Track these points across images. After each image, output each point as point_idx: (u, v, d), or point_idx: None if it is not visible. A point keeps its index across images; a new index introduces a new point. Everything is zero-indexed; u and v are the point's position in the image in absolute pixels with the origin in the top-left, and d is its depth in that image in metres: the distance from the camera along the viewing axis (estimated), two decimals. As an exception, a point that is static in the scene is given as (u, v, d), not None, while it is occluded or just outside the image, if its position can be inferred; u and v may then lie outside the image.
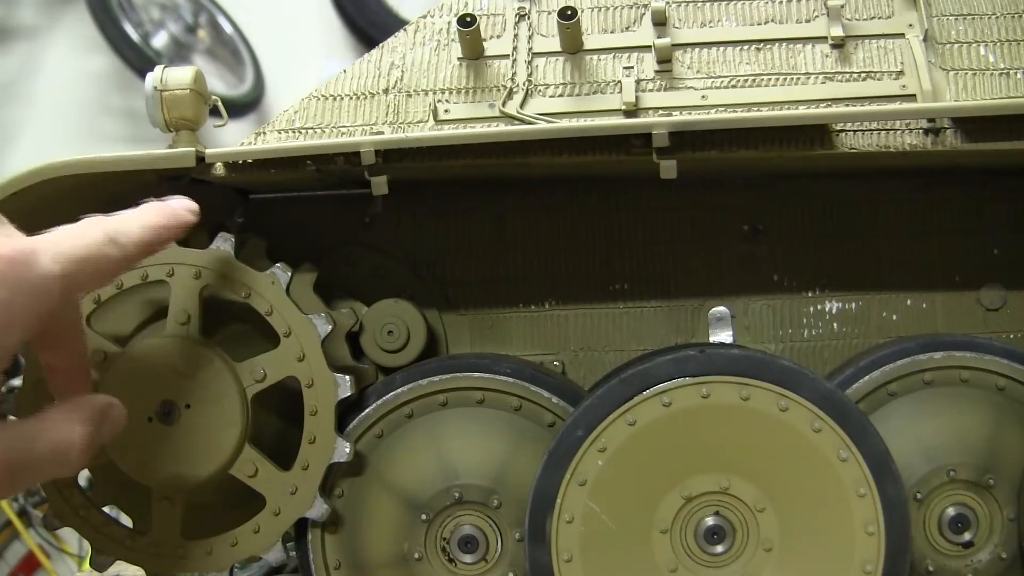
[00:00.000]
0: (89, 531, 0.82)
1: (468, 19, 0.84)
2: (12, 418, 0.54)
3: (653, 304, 0.95)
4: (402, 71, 0.88)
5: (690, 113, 0.82)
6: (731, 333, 0.94)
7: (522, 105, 0.85)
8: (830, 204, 0.94)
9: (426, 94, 0.87)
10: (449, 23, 0.89)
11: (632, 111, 0.84)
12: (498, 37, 0.88)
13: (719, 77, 0.84)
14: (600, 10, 0.88)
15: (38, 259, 0.49)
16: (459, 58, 0.88)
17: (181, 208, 0.60)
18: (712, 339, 0.94)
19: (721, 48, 0.86)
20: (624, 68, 0.85)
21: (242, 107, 2.64)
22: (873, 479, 0.76)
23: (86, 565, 0.90)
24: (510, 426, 0.85)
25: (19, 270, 0.48)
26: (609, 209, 0.94)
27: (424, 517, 0.84)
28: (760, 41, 0.86)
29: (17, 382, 0.87)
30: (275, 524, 0.81)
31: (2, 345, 0.47)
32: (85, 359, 0.61)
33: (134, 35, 2.57)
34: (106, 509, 0.85)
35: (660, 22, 0.86)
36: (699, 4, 0.87)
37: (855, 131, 0.79)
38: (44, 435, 0.50)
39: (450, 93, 0.87)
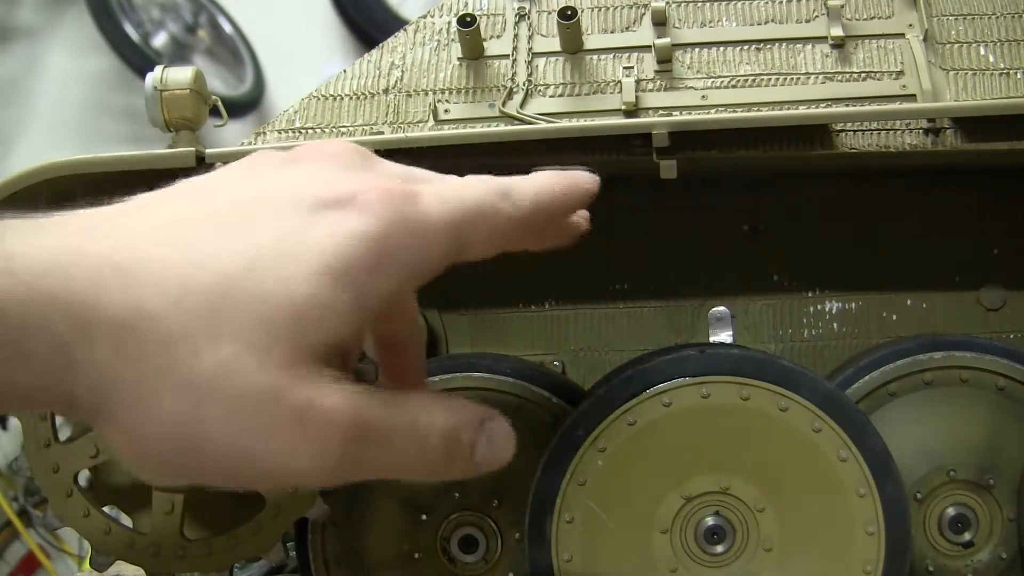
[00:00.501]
0: (89, 531, 0.82)
1: (468, 19, 0.84)
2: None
3: (653, 304, 0.95)
4: (402, 71, 0.88)
5: (690, 113, 0.82)
6: (731, 333, 0.94)
7: (522, 105, 0.85)
8: (830, 204, 0.94)
9: (426, 94, 0.87)
10: (449, 23, 0.89)
11: (632, 111, 0.84)
12: (498, 37, 0.88)
13: (719, 77, 0.84)
14: (600, 10, 0.88)
15: (422, 199, 0.42)
16: (459, 58, 0.88)
17: (580, 175, 0.52)
18: (712, 339, 0.94)
19: (721, 48, 0.86)
20: (624, 68, 0.85)
21: (242, 107, 2.64)
22: (873, 479, 0.76)
23: (86, 565, 0.90)
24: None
25: (401, 206, 0.41)
26: (609, 209, 0.94)
27: (424, 517, 0.84)
28: (760, 41, 0.86)
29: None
30: (275, 524, 0.81)
31: (372, 287, 0.40)
32: (420, 335, 0.53)
33: (134, 35, 2.57)
34: (106, 509, 0.85)
35: (660, 22, 0.86)
36: (699, 4, 0.87)
37: (855, 131, 0.79)
38: (406, 407, 0.42)
39: (450, 93, 0.87)
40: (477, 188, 0.46)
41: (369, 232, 0.40)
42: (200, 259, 0.38)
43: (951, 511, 0.83)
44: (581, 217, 0.54)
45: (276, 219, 0.39)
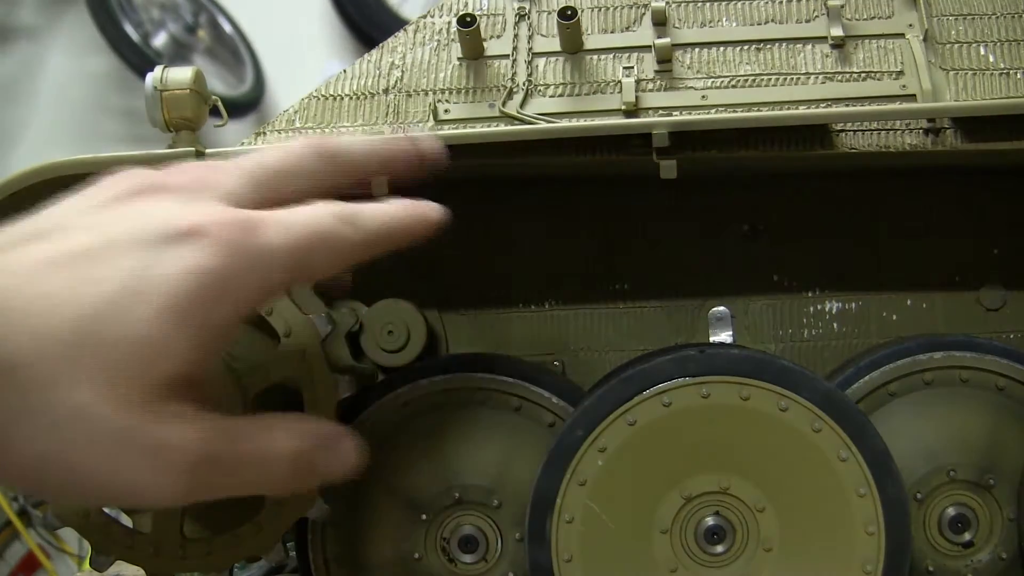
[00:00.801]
0: (89, 531, 0.82)
1: (468, 19, 0.84)
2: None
3: (653, 304, 0.95)
4: (402, 71, 0.88)
5: (690, 113, 0.82)
6: (731, 333, 0.94)
7: (522, 105, 0.85)
8: (830, 204, 0.94)
9: (426, 94, 0.87)
10: (449, 23, 0.89)
11: (632, 111, 0.84)
12: (498, 37, 0.88)
13: (719, 77, 0.84)
14: (600, 10, 0.88)
15: (263, 229, 0.44)
16: (459, 58, 0.88)
17: (429, 208, 0.54)
18: (712, 339, 0.94)
19: (721, 48, 0.86)
20: (624, 68, 0.85)
21: (242, 107, 2.64)
22: (873, 479, 0.76)
23: (86, 565, 0.90)
24: (510, 426, 0.85)
25: (240, 236, 0.43)
26: (609, 209, 0.94)
27: (424, 517, 0.84)
28: (760, 41, 0.86)
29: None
30: (275, 524, 0.81)
31: (215, 318, 0.43)
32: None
33: (134, 35, 2.57)
34: (106, 509, 0.85)
35: (660, 22, 0.86)
36: (699, 4, 0.87)
37: (855, 131, 0.79)
38: (250, 436, 0.45)
39: (450, 93, 0.87)
40: (321, 215, 0.48)
41: (210, 266, 0.42)
42: (57, 305, 0.41)
43: (951, 511, 0.83)
44: (434, 210, 0.56)
45: (123, 258, 0.42)
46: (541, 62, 0.87)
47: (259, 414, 0.48)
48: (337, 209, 0.49)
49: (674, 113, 0.83)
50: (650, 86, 0.85)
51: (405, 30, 0.90)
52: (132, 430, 0.41)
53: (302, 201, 0.49)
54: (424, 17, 0.91)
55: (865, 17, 0.86)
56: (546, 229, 0.95)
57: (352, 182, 0.53)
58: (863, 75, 0.84)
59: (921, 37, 0.84)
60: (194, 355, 0.43)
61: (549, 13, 0.88)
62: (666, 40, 0.84)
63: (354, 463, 0.50)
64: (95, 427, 0.40)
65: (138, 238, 0.43)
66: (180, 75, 0.81)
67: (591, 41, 0.87)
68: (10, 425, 0.40)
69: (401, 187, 0.56)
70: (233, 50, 2.81)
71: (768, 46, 0.85)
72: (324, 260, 0.47)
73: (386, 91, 0.87)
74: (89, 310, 0.40)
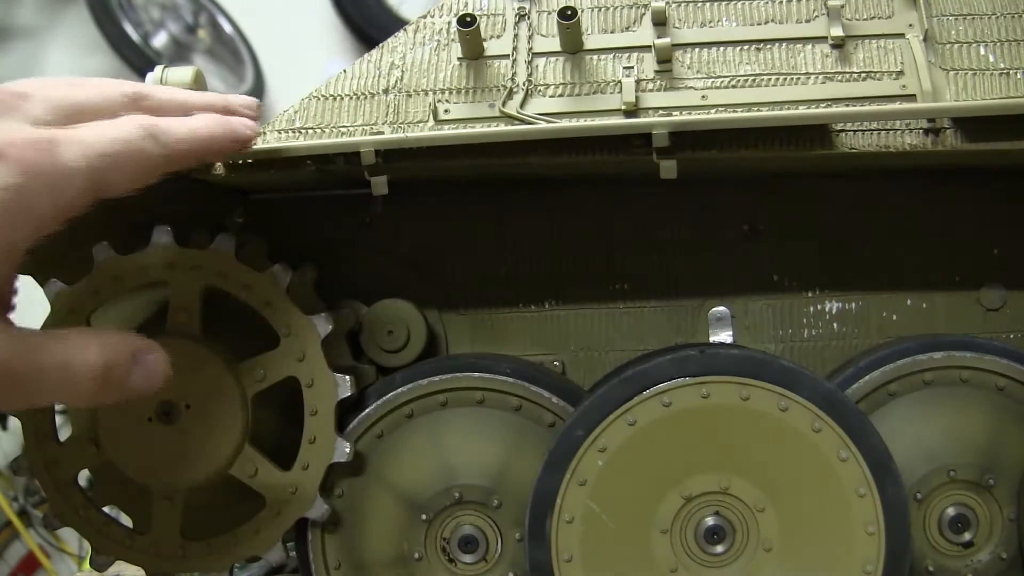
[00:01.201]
0: (89, 531, 0.82)
1: (468, 19, 0.84)
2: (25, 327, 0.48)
3: (653, 304, 0.95)
4: (402, 71, 0.88)
5: (690, 113, 0.82)
6: (731, 333, 0.94)
7: (522, 105, 0.85)
8: (830, 204, 0.94)
9: (426, 94, 0.87)
10: (449, 23, 0.89)
11: (632, 111, 0.84)
12: (498, 37, 0.88)
13: (719, 77, 0.84)
14: (600, 10, 0.88)
15: (60, 148, 0.45)
16: (459, 58, 0.87)
17: (237, 121, 0.55)
18: (712, 339, 0.94)
19: (721, 48, 0.86)
20: (624, 68, 0.85)
21: (242, 107, 2.63)
22: (873, 479, 0.76)
23: (86, 565, 0.90)
24: (510, 426, 0.85)
25: (38, 157, 0.44)
26: (609, 209, 0.94)
27: (424, 517, 0.84)
28: (760, 41, 0.86)
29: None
30: (275, 524, 0.81)
31: (13, 238, 0.43)
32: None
33: (134, 35, 2.57)
34: (106, 509, 0.85)
35: (660, 22, 0.86)
36: (699, 4, 0.87)
37: (855, 131, 0.79)
38: (53, 349, 0.46)
39: (450, 93, 0.86)
40: (122, 130, 0.48)
41: (7, 187, 0.42)
42: None
43: (951, 511, 0.83)
44: (244, 126, 0.57)
45: None
46: (541, 62, 0.87)
47: (63, 328, 0.48)
48: (143, 122, 0.49)
49: (674, 113, 0.82)
50: (650, 86, 0.85)
51: (405, 30, 0.90)
52: None
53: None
54: (424, 17, 0.91)
55: (865, 17, 0.86)
56: (546, 229, 0.95)
57: (175, 165, 0.53)
58: (863, 75, 0.84)
59: (921, 37, 0.84)
60: None
61: (549, 13, 0.88)
62: (666, 40, 0.84)
63: (162, 378, 0.52)
64: None
65: None
66: (180, 75, 0.81)
67: (591, 41, 0.87)
68: None
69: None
70: (233, 50, 2.81)
71: (768, 46, 0.85)
72: (125, 175, 0.48)
73: (386, 91, 0.87)
74: None
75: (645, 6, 0.87)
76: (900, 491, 0.76)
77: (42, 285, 0.80)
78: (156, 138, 0.49)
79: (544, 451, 0.78)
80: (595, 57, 0.86)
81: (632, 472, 0.77)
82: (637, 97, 0.84)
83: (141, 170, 0.49)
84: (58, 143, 0.45)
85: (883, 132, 0.79)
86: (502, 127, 0.82)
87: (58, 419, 0.82)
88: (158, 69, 0.82)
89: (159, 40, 2.71)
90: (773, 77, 0.84)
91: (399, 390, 0.85)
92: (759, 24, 0.86)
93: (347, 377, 0.80)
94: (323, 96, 0.88)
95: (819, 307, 0.94)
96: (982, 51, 0.83)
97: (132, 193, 0.50)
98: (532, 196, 0.94)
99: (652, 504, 0.77)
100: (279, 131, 0.87)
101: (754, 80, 0.84)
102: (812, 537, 0.77)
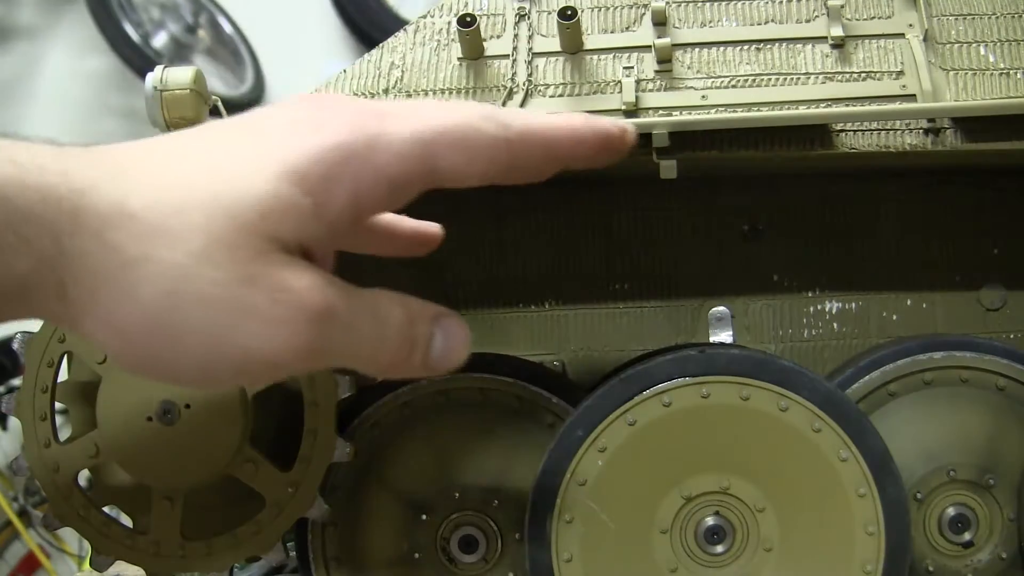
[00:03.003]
0: (89, 531, 0.82)
1: (468, 19, 0.84)
2: None
3: (653, 304, 0.95)
4: (402, 71, 0.88)
5: (690, 113, 0.82)
6: (731, 333, 0.94)
7: (522, 105, 0.85)
8: (830, 204, 0.94)
9: (426, 94, 0.87)
10: (449, 23, 0.89)
11: (632, 111, 0.84)
12: (498, 37, 0.88)
13: (719, 77, 0.84)
14: (600, 10, 0.88)
15: (391, 117, 0.43)
16: (459, 58, 0.87)
17: (604, 120, 0.49)
18: (712, 339, 0.94)
19: (721, 48, 0.86)
20: (624, 68, 0.85)
21: (242, 107, 2.63)
22: (873, 479, 0.76)
23: (86, 565, 0.90)
24: (510, 426, 0.85)
25: (364, 120, 0.43)
26: (609, 209, 0.94)
27: (424, 517, 0.84)
28: (760, 41, 0.86)
29: (17, 382, 0.87)
30: (275, 524, 0.81)
31: (333, 195, 0.42)
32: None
33: (134, 35, 2.57)
34: (106, 509, 0.85)
35: (660, 22, 0.86)
36: (699, 4, 0.87)
37: (855, 131, 0.79)
38: (361, 294, 0.44)
39: (450, 93, 0.86)
40: (459, 109, 0.46)
41: (327, 141, 0.42)
42: (171, 164, 0.42)
43: (951, 511, 0.83)
44: (616, 126, 0.50)
45: (251, 136, 0.43)
46: (541, 62, 0.87)
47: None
48: (479, 106, 0.46)
49: (674, 113, 0.82)
50: (650, 86, 0.85)
51: (405, 30, 0.90)
52: (252, 275, 0.39)
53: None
54: (424, 17, 0.91)
55: (865, 17, 0.86)
56: (546, 229, 0.95)
57: (522, 156, 0.47)
58: (863, 75, 0.84)
59: (921, 37, 0.84)
60: (310, 225, 0.41)
61: (549, 13, 0.88)
62: (666, 40, 0.84)
63: (464, 350, 0.46)
64: (211, 275, 0.39)
65: (273, 124, 0.44)
66: (180, 75, 0.81)
67: (591, 41, 0.87)
68: (133, 269, 0.38)
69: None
70: (233, 50, 2.81)
71: (768, 46, 0.85)
72: (461, 159, 0.44)
73: (386, 91, 0.87)
74: (201, 169, 0.41)
75: (645, 6, 0.87)
76: (900, 491, 0.76)
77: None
78: (494, 119, 0.45)
79: (544, 451, 0.78)
80: (595, 57, 0.86)
81: (632, 472, 0.77)
82: (637, 97, 0.84)
83: (480, 154, 0.45)
84: (391, 113, 0.44)
85: (883, 132, 0.79)
86: (502, 127, 0.82)
87: (58, 419, 0.82)
88: (158, 69, 0.82)
89: (159, 40, 2.71)
90: (773, 77, 0.84)
91: (399, 390, 0.85)
92: (759, 24, 0.86)
93: (347, 377, 0.80)
94: (323, 96, 0.88)
95: (819, 307, 0.94)
96: (982, 51, 0.83)
97: (471, 185, 0.46)
98: (532, 196, 0.94)
99: (652, 504, 0.77)
100: (279, 131, 0.87)
101: (754, 80, 0.84)
102: (812, 537, 0.77)
